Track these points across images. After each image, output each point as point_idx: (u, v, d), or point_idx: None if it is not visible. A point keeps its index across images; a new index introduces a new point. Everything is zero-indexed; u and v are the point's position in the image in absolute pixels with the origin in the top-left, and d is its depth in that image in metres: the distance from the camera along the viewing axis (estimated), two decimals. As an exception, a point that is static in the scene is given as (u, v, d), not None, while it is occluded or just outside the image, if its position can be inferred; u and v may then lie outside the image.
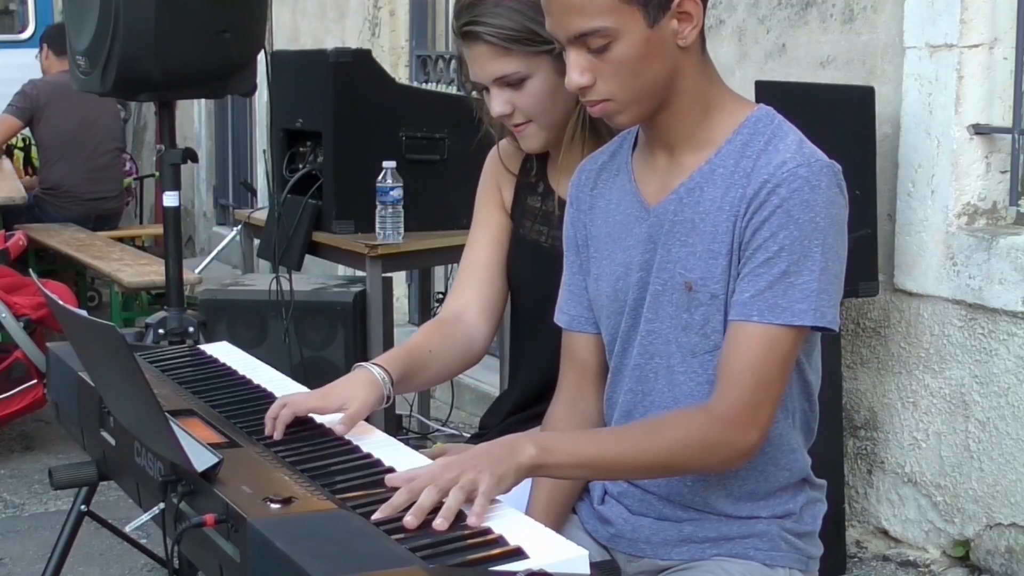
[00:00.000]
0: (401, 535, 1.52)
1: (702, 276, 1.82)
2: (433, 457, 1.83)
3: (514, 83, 2.15)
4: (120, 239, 6.97)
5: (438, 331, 2.27)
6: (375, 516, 1.58)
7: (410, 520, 1.56)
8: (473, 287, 2.32)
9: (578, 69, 1.79)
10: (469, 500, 1.61)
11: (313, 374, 3.79)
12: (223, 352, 2.40)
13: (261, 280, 4.30)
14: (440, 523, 1.56)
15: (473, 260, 2.34)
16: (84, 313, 1.78)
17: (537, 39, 2.08)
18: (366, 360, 2.14)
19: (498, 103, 2.17)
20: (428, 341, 2.24)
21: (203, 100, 8.45)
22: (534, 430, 2.10)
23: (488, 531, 1.55)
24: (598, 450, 1.78)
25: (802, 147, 1.80)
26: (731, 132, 1.84)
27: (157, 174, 4.62)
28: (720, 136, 1.84)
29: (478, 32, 2.13)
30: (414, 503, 1.59)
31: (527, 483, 2.05)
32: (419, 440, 4.47)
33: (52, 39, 7.14)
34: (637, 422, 1.90)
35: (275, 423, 1.92)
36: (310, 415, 1.98)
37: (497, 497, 1.67)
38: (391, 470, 1.75)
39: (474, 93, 2.28)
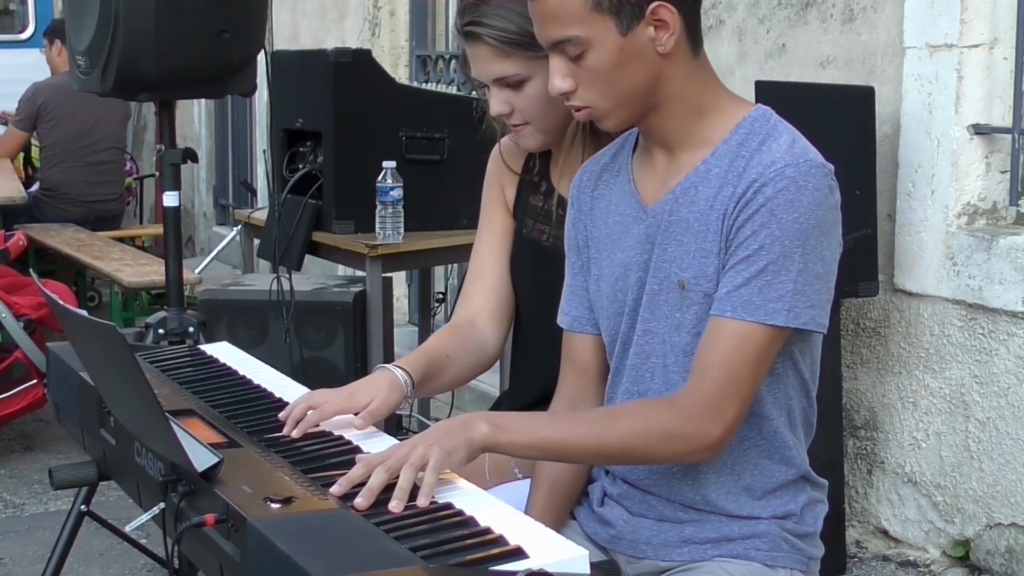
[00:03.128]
0: (400, 534, 1.52)
1: (695, 275, 1.82)
2: None
3: (513, 84, 2.16)
4: (120, 239, 6.98)
5: (454, 336, 2.28)
6: (332, 489, 1.63)
7: (360, 502, 1.60)
8: (481, 294, 2.32)
9: (560, 75, 1.81)
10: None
11: (313, 374, 3.79)
12: (223, 352, 2.40)
13: (261, 280, 4.30)
14: (394, 504, 1.61)
15: (479, 266, 2.35)
16: (84, 313, 1.78)
17: (537, 43, 2.08)
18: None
19: (497, 103, 2.18)
20: (445, 346, 2.24)
21: (203, 100, 8.45)
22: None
23: (488, 531, 1.55)
24: (552, 431, 1.80)
25: (793, 147, 1.80)
26: (728, 132, 1.84)
27: (157, 174, 4.62)
28: (717, 136, 1.85)
29: (479, 33, 2.14)
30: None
31: (526, 483, 2.06)
32: (419, 440, 4.46)
33: (60, 32, 7.10)
34: (599, 408, 1.93)
35: (300, 425, 1.91)
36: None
37: (495, 497, 1.67)
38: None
39: (475, 93, 2.28)
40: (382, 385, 2.05)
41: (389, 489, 1.64)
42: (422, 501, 1.62)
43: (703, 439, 1.76)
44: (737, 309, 1.76)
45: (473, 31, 2.15)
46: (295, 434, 1.91)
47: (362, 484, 1.65)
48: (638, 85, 1.80)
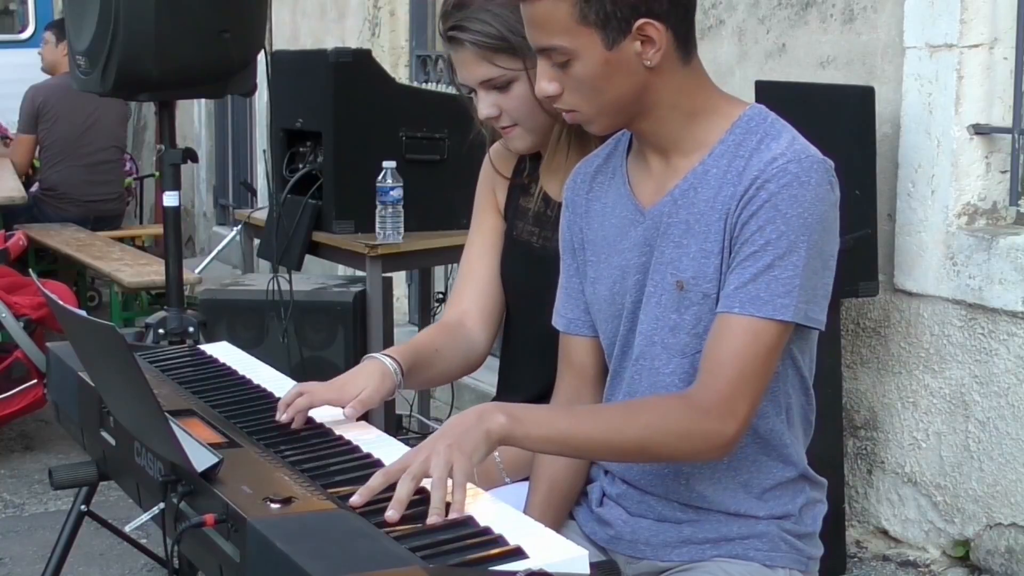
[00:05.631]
0: (399, 534, 1.52)
1: (694, 276, 1.82)
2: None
3: (500, 86, 2.16)
4: (120, 239, 6.98)
5: (444, 331, 2.28)
6: (352, 500, 1.60)
7: (391, 515, 1.57)
8: (471, 295, 2.32)
9: (546, 78, 1.82)
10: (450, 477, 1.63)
11: (313, 374, 3.77)
12: (223, 352, 2.40)
13: (261, 280, 4.30)
14: (433, 520, 1.58)
15: (470, 268, 2.35)
16: (84, 313, 1.78)
17: (520, 44, 2.08)
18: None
19: (484, 106, 2.18)
20: (435, 340, 2.25)
21: (203, 100, 8.45)
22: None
23: (488, 531, 1.55)
24: (570, 424, 1.77)
25: (794, 143, 1.80)
26: (723, 133, 1.84)
27: (157, 174, 4.64)
28: (712, 137, 1.84)
29: (461, 38, 2.15)
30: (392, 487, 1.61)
31: (525, 483, 2.06)
32: (419, 440, 4.46)
33: (59, 27, 7.07)
34: (615, 403, 1.91)
35: (289, 409, 1.92)
36: (310, 415, 1.98)
37: (495, 499, 1.67)
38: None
39: (465, 92, 2.29)
40: (372, 374, 2.05)
41: (389, 490, 1.62)
42: (454, 515, 1.59)
43: (719, 436, 1.75)
44: (746, 305, 1.76)
45: (455, 36, 2.15)
46: (284, 418, 1.91)
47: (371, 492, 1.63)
48: (623, 95, 1.81)
